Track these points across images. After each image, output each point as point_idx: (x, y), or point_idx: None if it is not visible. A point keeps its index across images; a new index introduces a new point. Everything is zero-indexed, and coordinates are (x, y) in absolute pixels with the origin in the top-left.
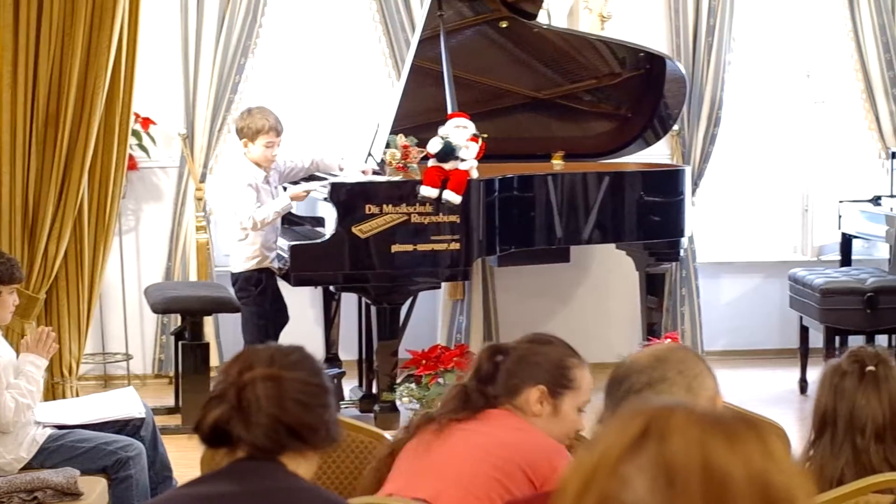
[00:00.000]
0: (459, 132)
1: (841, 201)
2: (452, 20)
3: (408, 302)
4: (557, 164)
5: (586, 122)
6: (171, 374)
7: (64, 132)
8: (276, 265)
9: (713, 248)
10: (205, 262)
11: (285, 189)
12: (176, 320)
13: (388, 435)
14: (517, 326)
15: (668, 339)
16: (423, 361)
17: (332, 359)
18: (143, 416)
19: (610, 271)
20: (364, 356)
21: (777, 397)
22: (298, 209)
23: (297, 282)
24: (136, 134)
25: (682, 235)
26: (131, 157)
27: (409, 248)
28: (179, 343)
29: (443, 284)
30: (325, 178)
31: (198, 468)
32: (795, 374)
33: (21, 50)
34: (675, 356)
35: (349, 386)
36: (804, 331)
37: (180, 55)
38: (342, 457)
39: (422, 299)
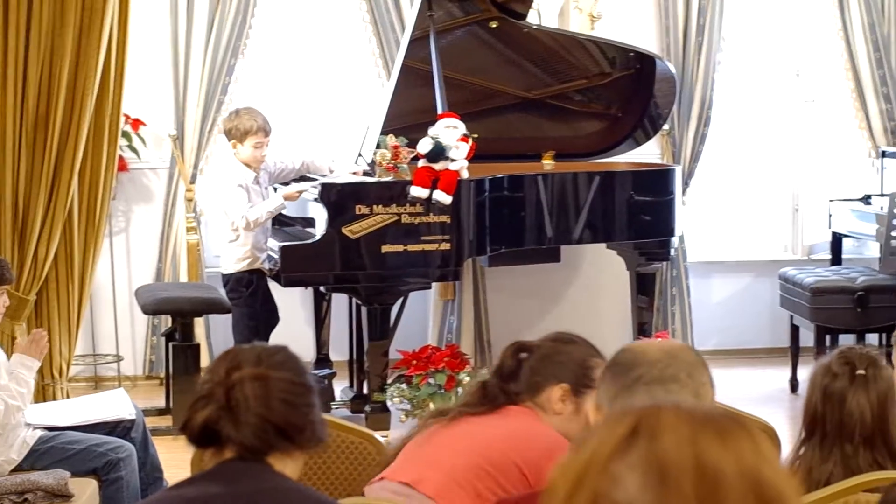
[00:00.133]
0: (449, 132)
1: (831, 200)
2: (442, 20)
3: (398, 302)
4: (548, 163)
5: (577, 122)
6: (162, 375)
7: (53, 134)
8: (266, 266)
9: (704, 248)
10: (195, 263)
11: (275, 190)
12: (166, 321)
13: (378, 436)
14: (508, 327)
15: (659, 339)
16: (414, 362)
17: (323, 359)
18: (134, 417)
19: (600, 271)
20: (355, 357)
21: (768, 396)
22: (289, 210)
23: (288, 282)
24: (125, 135)
25: (672, 235)
26: (121, 158)
27: (400, 248)
28: (170, 344)
29: (433, 285)
30: (317, 179)
31: (188, 469)
32: (786, 373)
33: (10, 52)
34: (686, 357)
35: (340, 386)
36: (795, 330)
37: (170, 56)
38: (333, 457)
39: (412, 300)
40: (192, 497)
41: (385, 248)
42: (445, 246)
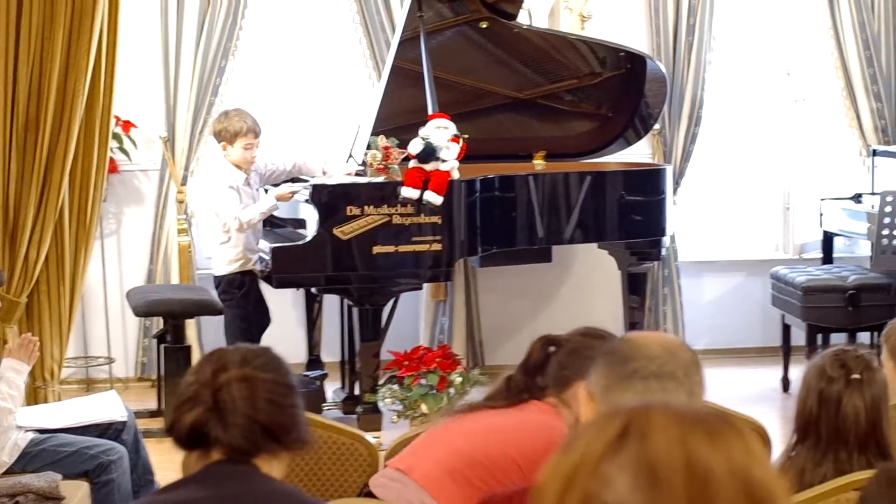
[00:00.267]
0: (440, 133)
1: (822, 199)
2: (432, 21)
3: (390, 303)
4: (539, 164)
5: (567, 122)
6: (154, 377)
7: (44, 136)
8: (258, 267)
9: (695, 247)
10: (186, 264)
11: (266, 191)
12: (158, 323)
13: (369, 437)
14: (500, 327)
15: (656, 333)
16: (406, 363)
17: (315, 361)
18: (125, 419)
19: (592, 271)
20: (346, 358)
21: (759, 395)
22: (280, 211)
23: (279, 284)
24: (116, 137)
25: (663, 234)
26: (112, 160)
27: (391, 249)
28: (162, 346)
29: (425, 285)
30: (308, 180)
31: (180, 471)
32: (778, 372)
33: (0, 54)
34: (683, 355)
35: (332, 387)
36: (786, 329)
37: (161, 58)
38: (324, 458)
39: (404, 300)
40: (179, 500)
41: (376, 249)
42: (437, 247)
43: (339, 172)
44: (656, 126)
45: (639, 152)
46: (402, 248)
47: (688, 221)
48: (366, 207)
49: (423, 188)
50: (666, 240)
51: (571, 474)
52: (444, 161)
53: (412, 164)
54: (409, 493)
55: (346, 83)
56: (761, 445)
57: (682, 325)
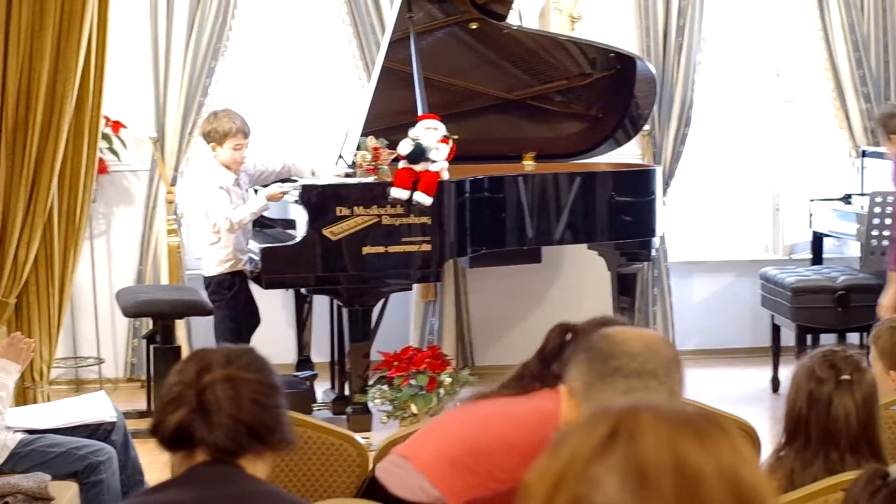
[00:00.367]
0: (430, 134)
1: (812, 200)
2: (422, 22)
3: (379, 304)
4: (529, 164)
5: (557, 123)
6: (143, 377)
7: (33, 136)
8: (247, 268)
9: (685, 248)
10: (176, 265)
11: (256, 192)
12: (147, 324)
13: (359, 437)
14: (489, 328)
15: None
16: (395, 363)
17: (305, 361)
18: (115, 420)
19: (582, 272)
20: (336, 358)
21: (749, 396)
22: (270, 211)
23: (269, 284)
24: (106, 137)
25: (653, 235)
26: (102, 160)
27: (381, 249)
28: (151, 346)
29: (414, 286)
30: (298, 180)
31: (170, 472)
32: (767, 372)
33: None
34: (664, 352)
35: (321, 388)
36: (776, 329)
37: (150, 58)
38: (313, 459)
39: (393, 301)
40: (165, 503)
41: (366, 250)
42: (426, 247)
43: (329, 173)
44: (646, 127)
45: (629, 153)
46: (392, 249)
47: (677, 222)
48: (355, 208)
49: (413, 189)
50: (656, 240)
51: (560, 476)
52: (433, 162)
53: (402, 164)
54: (411, 479)
55: (336, 84)
56: (749, 446)
57: (671, 325)
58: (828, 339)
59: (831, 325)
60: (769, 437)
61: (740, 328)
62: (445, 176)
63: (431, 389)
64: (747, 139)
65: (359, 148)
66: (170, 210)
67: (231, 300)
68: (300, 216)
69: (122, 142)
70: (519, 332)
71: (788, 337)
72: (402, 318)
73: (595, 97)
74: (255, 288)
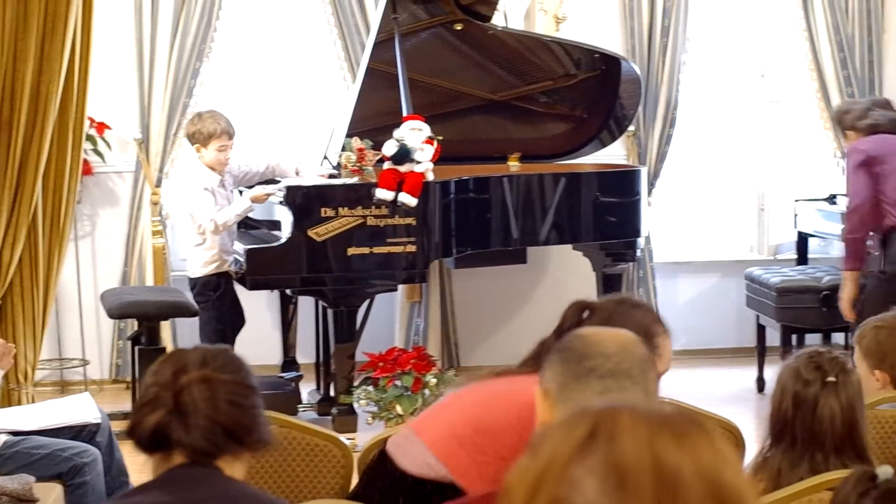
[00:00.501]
0: (414, 134)
1: (797, 200)
2: (407, 23)
3: (365, 305)
4: (514, 165)
5: (542, 124)
6: (129, 379)
7: (17, 138)
8: (232, 269)
9: (670, 248)
10: (161, 266)
11: (241, 193)
12: (132, 325)
13: (344, 438)
14: (475, 328)
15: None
16: (381, 364)
17: (290, 362)
18: (99, 421)
19: (567, 272)
20: (321, 359)
21: (734, 396)
22: (255, 212)
23: (254, 285)
24: (90, 139)
25: (638, 236)
26: (86, 162)
27: (366, 250)
28: (136, 348)
29: (400, 287)
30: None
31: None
32: (752, 372)
33: None
34: (638, 352)
35: (307, 389)
36: (761, 329)
37: (135, 59)
38: (297, 460)
39: (379, 302)
40: None
41: (351, 251)
42: (411, 248)
43: (313, 174)
44: (631, 127)
45: (614, 154)
46: (377, 250)
47: (663, 222)
48: (340, 209)
49: (398, 190)
50: (641, 241)
51: (539, 478)
52: (418, 163)
53: (386, 165)
54: (418, 454)
55: (321, 85)
56: (730, 446)
57: None
58: (813, 339)
59: (816, 325)
60: (754, 437)
61: (725, 328)
62: (430, 177)
63: (416, 390)
64: (732, 140)
65: (343, 149)
66: (155, 211)
67: (216, 301)
68: (285, 217)
69: (107, 143)
70: (504, 332)
71: (773, 337)
72: (387, 319)
73: (580, 98)
74: (240, 289)
